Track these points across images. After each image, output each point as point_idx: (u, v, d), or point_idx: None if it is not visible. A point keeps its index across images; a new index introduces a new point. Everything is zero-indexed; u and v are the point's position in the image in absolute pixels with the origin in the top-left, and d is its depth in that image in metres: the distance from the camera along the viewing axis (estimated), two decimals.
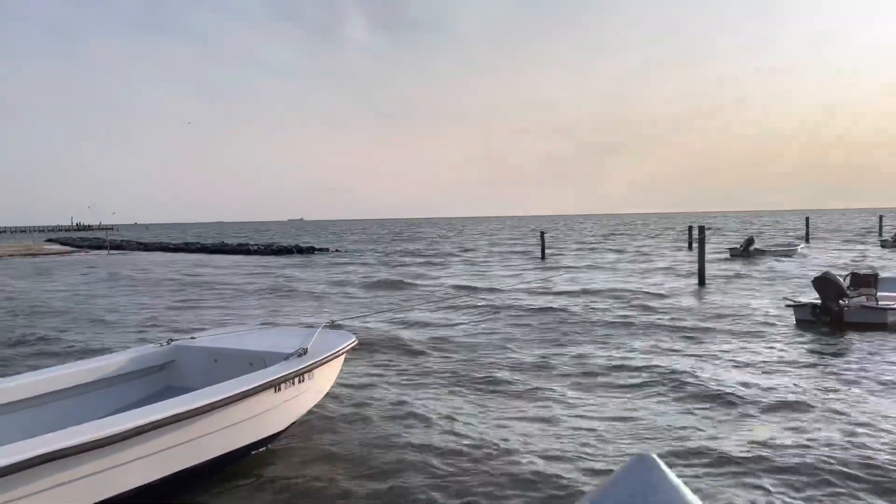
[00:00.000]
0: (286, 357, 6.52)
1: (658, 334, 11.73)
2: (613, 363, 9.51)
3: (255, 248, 43.44)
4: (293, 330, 8.24)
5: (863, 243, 39.28)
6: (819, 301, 12.17)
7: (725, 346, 10.59)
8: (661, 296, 17.12)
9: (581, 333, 12.07)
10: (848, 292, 12.30)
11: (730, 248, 33.43)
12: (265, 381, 5.79)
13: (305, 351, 6.62)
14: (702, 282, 19.71)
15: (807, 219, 48.33)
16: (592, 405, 7.53)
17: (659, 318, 13.44)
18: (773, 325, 12.41)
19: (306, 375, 6.40)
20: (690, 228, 43.51)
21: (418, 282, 22.41)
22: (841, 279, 12.30)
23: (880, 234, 42.43)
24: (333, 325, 8.01)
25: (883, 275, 17.26)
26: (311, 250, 41.41)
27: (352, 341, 7.31)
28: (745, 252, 31.37)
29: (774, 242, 38.66)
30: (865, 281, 12.56)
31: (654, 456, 1.17)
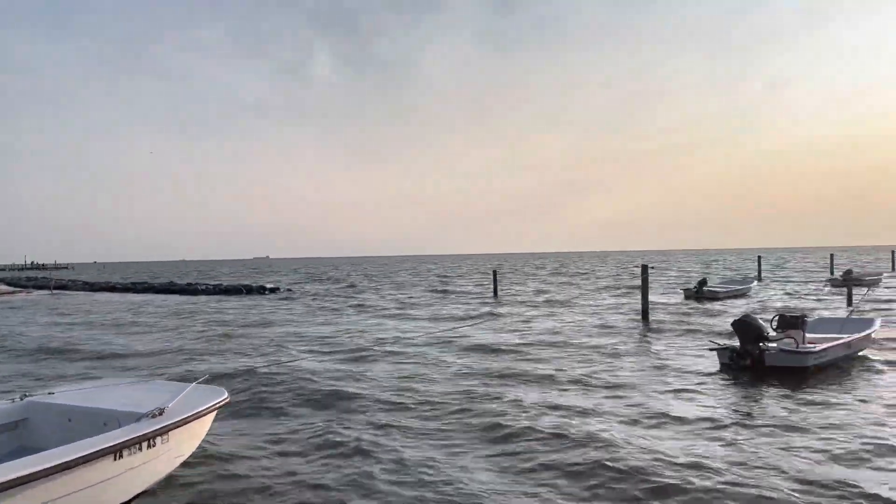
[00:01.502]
0: (138, 418, 5.81)
1: (564, 375, 11.14)
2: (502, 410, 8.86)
3: (204, 287, 42.19)
4: (164, 385, 7.49)
5: (814, 282, 39.58)
6: (735, 346, 11.81)
7: (636, 392, 10.28)
8: (599, 336, 16.68)
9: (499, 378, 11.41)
10: (772, 334, 11.97)
11: (684, 289, 33.36)
12: (101, 448, 5.06)
13: (162, 411, 5.91)
14: (645, 320, 19.38)
15: (759, 258, 48.79)
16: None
17: (580, 360, 13.00)
18: (697, 369, 12.06)
19: (158, 439, 5.70)
20: (648, 267, 43.64)
21: (341, 324, 21.44)
22: (761, 322, 11.88)
23: (831, 273, 42.87)
24: (208, 380, 7.27)
25: (818, 315, 17.15)
26: (261, 290, 40.32)
27: (221, 399, 6.60)
28: (699, 292, 31.24)
29: (728, 282, 38.71)
30: (792, 323, 12.16)
31: None
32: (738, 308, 25.10)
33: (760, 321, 11.89)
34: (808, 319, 12.68)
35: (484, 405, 9.31)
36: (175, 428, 5.84)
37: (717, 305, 26.66)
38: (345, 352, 14.92)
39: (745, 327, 11.65)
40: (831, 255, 47.49)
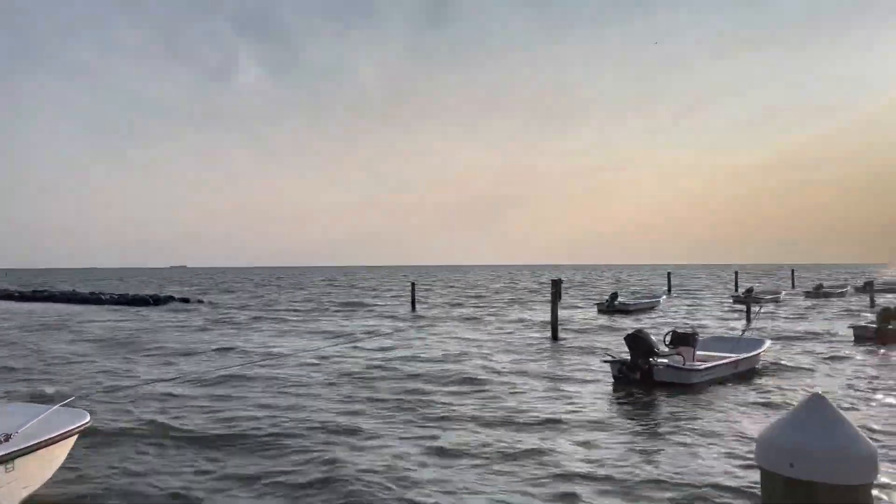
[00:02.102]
0: None
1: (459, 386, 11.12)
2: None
3: (108, 297, 40.27)
4: (20, 408, 6.96)
5: (719, 299, 41.27)
6: (627, 359, 12.09)
7: (531, 400, 10.45)
8: (500, 352, 16.67)
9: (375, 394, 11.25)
10: (665, 350, 12.32)
11: (597, 303, 34.15)
12: None
13: (8, 437, 5.45)
14: (555, 336, 19.58)
15: (668, 274, 50.70)
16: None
17: (483, 374, 12.93)
18: (594, 381, 12.29)
19: (1, 467, 5.24)
20: (560, 281, 44.45)
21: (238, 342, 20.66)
22: (652, 337, 12.20)
23: (735, 290, 44.80)
24: (72, 402, 6.81)
25: (712, 332, 17.82)
26: (169, 300, 38.80)
27: (81, 423, 6.16)
28: (611, 306, 32.04)
29: (639, 296, 39.91)
30: (683, 339, 12.55)
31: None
32: (646, 321, 25.88)
33: (651, 337, 12.19)
34: (700, 337, 13.09)
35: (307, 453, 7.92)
36: (22, 455, 5.40)
37: (627, 319, 27.38)
38: (210, 374, 13.62)
39: (636, 342, 11.94)
40: (736, 273, 49.68)
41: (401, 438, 8.49)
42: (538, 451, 7.78)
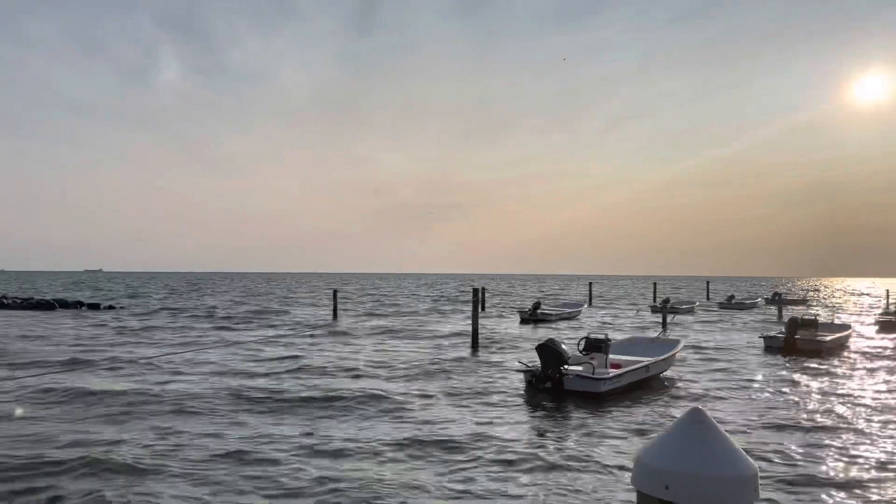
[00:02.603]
0: None
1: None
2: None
3: (10, 301, 37.85)
4: None
5: (638, 308, 42.36)
6: (539, 368, 12.05)
7: (437, 413, 10.24)
8: (415, 364, 16.23)
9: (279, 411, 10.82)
10: (577, 356, 12.38)
11: (520, 312, 34.40)
12: None
13: None
14: (475, 346, 19.49)
15: (590, 284, 51.77)
16: None
17: (387, 385, 12.66)
18: (505, 391, 12.21)
19: None
20: (483, 290, 44.61)
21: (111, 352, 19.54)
22: (563, 346, 12.23)
23: (654, 300, 46.08)
24: None
25: (630, 336, 18.10)
26: (77, 305, 36.81)
27: None
28: (533, 315, 32.34)
29: (561, 305, 40.50)
30: (596, 346, 12.64)
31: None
32: (567, 330, 26.19)
33: (562, 345, 12.18)
34: (612, 342, 13.21)
35: None
36: None
37: (549, 328, 27.65)
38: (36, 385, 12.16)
39: (547, 351, 11.92)
40: (654, 284, 51.17)
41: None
42: (437, 465, 7.55)
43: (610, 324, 29.94)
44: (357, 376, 13.94)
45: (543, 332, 25.05)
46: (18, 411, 10.22)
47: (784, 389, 12.66)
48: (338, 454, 7.93)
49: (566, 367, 11.79)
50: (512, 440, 8.62)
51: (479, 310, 20.39)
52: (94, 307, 37.37)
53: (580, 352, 12.61)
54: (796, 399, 11.74)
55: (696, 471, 1.39)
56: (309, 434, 8.87)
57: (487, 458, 7.81)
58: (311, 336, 22.72)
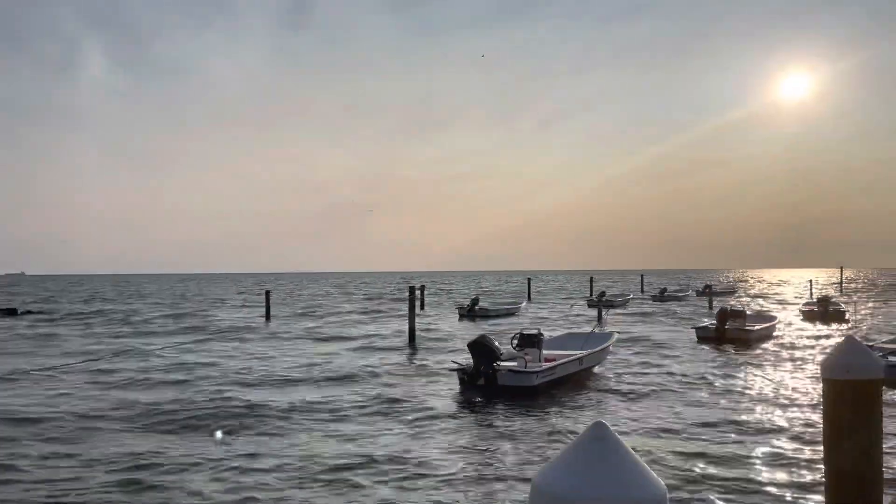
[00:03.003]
0: None
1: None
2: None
3: None
4: None
5: (572, 303, 42.88)
6: (472, 365, 11.87)
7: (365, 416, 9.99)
8: (360, 363, 15.91)
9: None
10: (510, 352, 12.30)
11: (458, 309, 34.24)
12: None
13: None
14: (412, 342, 19.23)
15: (528, 279, 52.10)
16: None
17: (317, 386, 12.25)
18: (436, 389, 12.01)
19: None
20: (422, 288, 44.32)
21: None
22: (495, 342, 12.08)
23: (590, 294, 46.76)
24: None
25: (566, 331, 18.18)
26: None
27: None
28: (472, 312, 32.23)
29: (500, 301, 40.63)
30: (530, 341, 12.56)
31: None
32: (506, 325, 26.11)
33: (494, 342, 12.04)
34: (547, 338, 13.16)
35: None
36: None
37: (487, 324, 27.57)
38: None
39: (479, 348, 11.76)
40: (591, 278, 52.02)
41: None
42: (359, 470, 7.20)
43: (549, 318, 30.07)
44: (274, 384, 13.23)
45: (482, 328, 24.93)
46: None
47: (712, 382, 12.81)
48: (238, 479, 7.08)
49: (499, 363, 11.61)
50: (438, 450, 8.25)
51: (420, 308, 20.08)
52: (11, 312, 35.41)
53: (514, 347, 12.48)
54: (720, 392, 11.83)
55: (596, 495, 1.24)
56: (194, 458, 7.82)
57: (407, 474, 7.37)
58: (240, 341, 21.83)
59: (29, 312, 36.15)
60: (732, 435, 8.62)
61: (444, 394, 11.84)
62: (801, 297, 43.63)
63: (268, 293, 32.16)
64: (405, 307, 37.45)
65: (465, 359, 12.39)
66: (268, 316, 30.34)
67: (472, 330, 24.68)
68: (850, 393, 3.47)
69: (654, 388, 12.13)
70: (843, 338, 4.05)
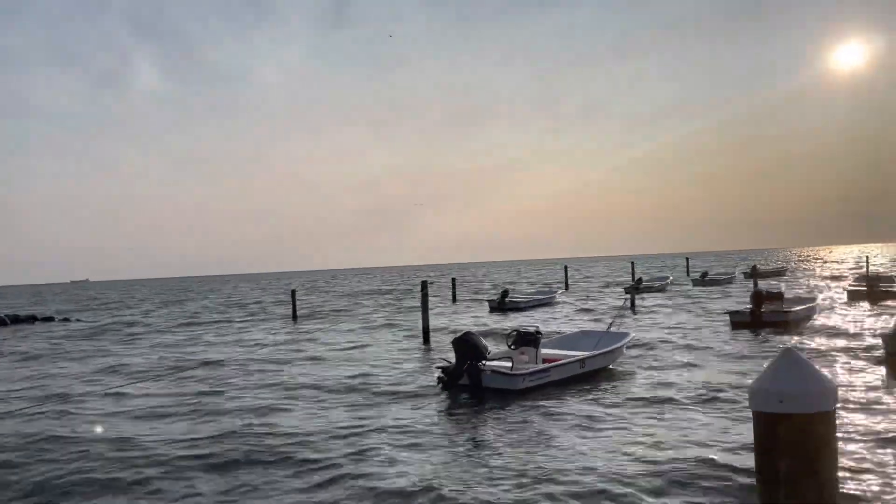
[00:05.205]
0: None
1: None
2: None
3: None
4: None
5: (613, 290, 41.38)
6: (453, 364, 11.03)
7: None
8: (362, 360, 15.26)
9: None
10: (506, 351, 11.50)
11: (489, 301, 33.32)
12: None
13: None
14: (426, 341, 18.39)
15: (565, 267, 50.59)
16: None
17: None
18: (423, 394, 11.18)
19: None
20: (454, 281, 43.46)
21: None
22: (481, 340, 11.15)
23: (633, 280, 45.22)
24: None
25: (580, 329, 16.77)
26: (31, 319, 35.59)
27: None
28: (502, 304, 31.27)
29: (533, 292, 39.44)
30: (527, 340, 11.61)
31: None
32: (539, 317, 25.01)
33: (481, 339, 11.16)
34: (561, 336, 12.20)
35: None
36: None
37: (520, 316, 26.54)
38: None
39: (462, 345, 10.88)
40: (632, 263, 50.07)
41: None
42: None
43: (584, 310, 28.69)
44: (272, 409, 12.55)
45: (515, 321, 23.85)
46: None
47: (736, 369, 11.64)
48: None
49: (484, 362, 10.74)
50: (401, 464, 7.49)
51: (452, 301, 19.30)
52: (48, 320, 36.09)
53: (509, 346, 11.58)
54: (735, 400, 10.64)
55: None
56: None
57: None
58: (261, 346, 21.36)
59: (66, 320, 36.77)
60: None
61: (424, 395, 11.05)
62: (854, 274, 41.08)
63: (293, 292, 31.86)
64: (437, 302, 36.77)
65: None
66: (294, 315, 30.17)
67: (503, 323, 23.74)
68: None
69: (659, 394, 10.65)
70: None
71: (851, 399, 8.96)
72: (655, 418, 8.72)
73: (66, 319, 36.87)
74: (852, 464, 6.09)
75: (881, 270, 35.94)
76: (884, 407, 8.64)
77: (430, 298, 19.04)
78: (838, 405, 2.15)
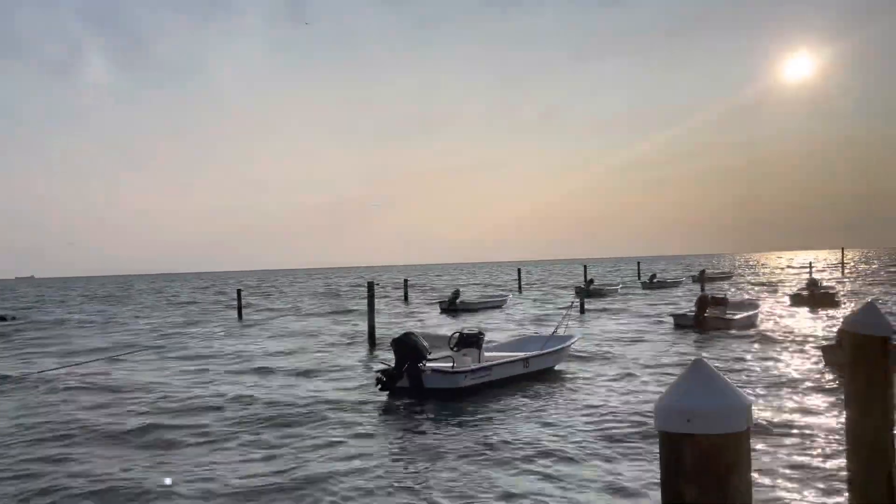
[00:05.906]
0: None
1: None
2: None
3: None
4: None
5: (567, 292, 41.60)
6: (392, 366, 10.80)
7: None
8: (303, 367, 14.77)
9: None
10: (447, 353, 11.27)
11: (439, 302, 33.01)
12: None
13: None
14: (373, 345, 18.03)
15: (518, 270, 50.60)
16: None
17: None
18: (364, 387, 11.15)
19: None
20: (405, 282, 43.03)
21: None
22: (421, 341, 10.92)
23: (584, 282, 45.55)
24: None
25: (528, 334, 16.55)
26: None
27: None
28: (452, 305, 31.03)
29: (485, 294, 39.39)
30: (469, 341, 11.46)
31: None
32: (488, 320, 24.85)
33: (421, 340, 10.91)
34: (484, 337, 11.97)
35: None
36: None
37: (471, 318, 26.33)
38: None
39: (402, 347, 10.63)
40: (585, 267, 50.42)
41: None
42: None
43: (536, 312, 28.66)
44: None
45: (466, 323, 23.51)
46: None
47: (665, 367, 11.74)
48: None
49: (425, 363, 10.50)
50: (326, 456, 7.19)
51: (405, 302, 18.99)
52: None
53: (451, 348, 11.35)
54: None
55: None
56: None
57: None
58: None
59: (2, 319, 35.23)
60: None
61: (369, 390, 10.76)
62: (798, 280, 42.15)
63: (239, 291, 31.18)
64: (391, 302, 36.39)
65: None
66: (240, 314, 29.54)
67: (453, 324, 23.51)
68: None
69: (596, 390, 10.85)
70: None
71: (770, 419, 8.23)
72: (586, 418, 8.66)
73: (15, 318, 35.46)
74: (768, 491, 5.73)
75: (824, 277, 36.94)
76: (804, 427, 7.89)
77: (382, 300, 18.79)
78: (753, 425, 1.88)
